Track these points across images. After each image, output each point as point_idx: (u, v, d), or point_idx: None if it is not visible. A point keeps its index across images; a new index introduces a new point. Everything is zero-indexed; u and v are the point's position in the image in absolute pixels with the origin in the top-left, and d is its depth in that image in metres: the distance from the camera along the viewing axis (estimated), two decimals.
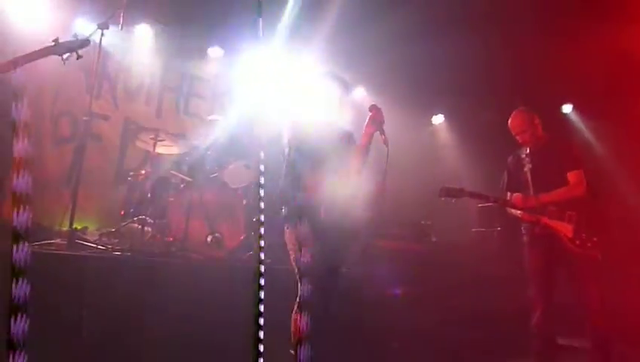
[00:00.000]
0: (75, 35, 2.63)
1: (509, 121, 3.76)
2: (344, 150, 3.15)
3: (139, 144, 5.07)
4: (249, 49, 6.37)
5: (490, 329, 4.37)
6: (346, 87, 3.24)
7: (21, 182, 2.85)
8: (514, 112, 3.76)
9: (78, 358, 3.17)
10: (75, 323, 3.24)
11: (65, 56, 2.56)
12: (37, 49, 2.47)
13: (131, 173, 5.12)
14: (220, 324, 3.59)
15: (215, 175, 4.91)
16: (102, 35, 4.47)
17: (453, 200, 3.70)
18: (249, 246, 4.80)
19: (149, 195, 4.65)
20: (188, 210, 4.40)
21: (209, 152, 4.92)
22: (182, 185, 4.74)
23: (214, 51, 6.53)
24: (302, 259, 2.99)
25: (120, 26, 5.48)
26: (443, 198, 3.71)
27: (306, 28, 5.63)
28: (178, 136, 5.46)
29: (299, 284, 2.94)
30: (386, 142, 3.11)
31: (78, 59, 2.59)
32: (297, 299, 2.99)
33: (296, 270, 3.00)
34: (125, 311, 3.39)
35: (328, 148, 3.03)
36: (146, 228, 4.48)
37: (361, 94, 7.09)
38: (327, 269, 3.03)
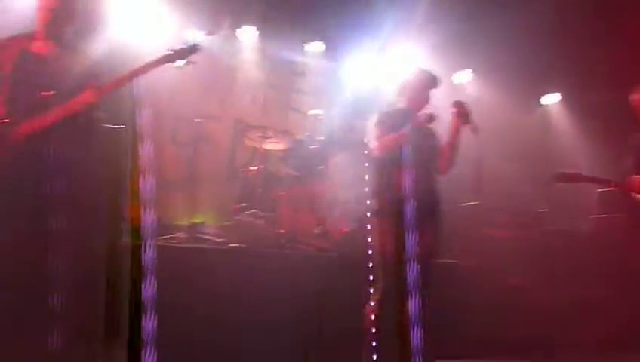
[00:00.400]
0: (186, 43, 2.84)
1: (632, 97, 3.45)
2: (429, 137, 3.15)
3: (247, 142, 5.33)
4: (350, 42, 6.46)
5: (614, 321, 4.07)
6: (434, 81, 3.25)
7: (146, 185, 3.16)
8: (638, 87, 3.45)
9: (199, 346, 3.43)
10: (197, 312, 3.48)
11: (179, 63, 2.76)
12: (152, 59, 2.70)
13: (242, 170, 5.40)
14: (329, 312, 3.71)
15: (320, 168, 5.03)
16: (210, 40, 4.77)
17: (569, 186, 3.49)
18: (354, 238, 4.87)
19: (259, 190, 4.88)
20: (296, 203, 4.56)
21: (313, 146, 5.05)
22: (289, 180, 4.91)
23: (315, 46, 6.64)
24: (387, 252, 3.00)
25: (226, 30, 5.85)
26: (559, 184, 3.52)
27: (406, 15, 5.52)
28: (283, 132, 5.65)
29: (383, 277, 2.97)
30: (475, 130, 3.06)
31: (189, 64, 2.83)
32: (376, 291, 3.09)
33: (378, 262, 3.10)
34: (242, 299, 3.62)
35: (417, 139, 3.06)
36: (258, 222, 4.71)
37: (468, 77, 6.85)
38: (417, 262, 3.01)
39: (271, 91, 6.64)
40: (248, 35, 6.27)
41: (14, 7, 4.48)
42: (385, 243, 3.04)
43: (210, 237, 4.43)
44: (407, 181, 2.96)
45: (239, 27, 6.17)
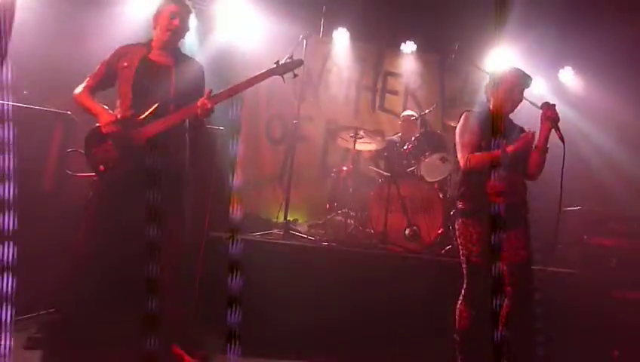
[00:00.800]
0: (291, 57, 3.05)
1: None
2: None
3: (339, 142, 5.43)
4: (441, 42, 6.36)
5: None
6: (527, 79, 3.15)
7: (238, 181, 3.31)
8: None
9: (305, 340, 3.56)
10: (288, 305, 3.63)
11: (285, 76, 3.00)
12: (261, 73, 2.97)
13: (334, 170, 5.51)
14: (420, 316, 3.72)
15: (412, 169, 5.02)
16: (305, 44, 4.93)
17: None
18: (446, 241, 4.81)
19: (350, 190, 4.96)
20: (387, 203, 4.58)
21: (405, 147, 5.04)
22: (380, 180, 4.95)
23: (407, 46, 6.61)
24: (476, 254, 2.96)
25: (320, 33, 6.00)
26: None
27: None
28: (375, 132, 5.69)
29: (470, 278, 3.00)
30: (562, 139, 2.93)
31: (294, 77, 3.04)
32: (463, 292, 3.04)
33: (464, 264, 3.03)
34: (333, 296, 3.72)
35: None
36: (348, 221, 4.80)
37: (569, 73, 6.50)
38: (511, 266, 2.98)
39: (364, 92, 6.71)
40: (341, 36, 6.38)
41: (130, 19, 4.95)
42: (472, 244, 3.00)
43: (304, 235, 4.58)
44: (498, 184, 2.92)
45: (335, 29, 6.29)
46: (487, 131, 3.03)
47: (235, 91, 2.92)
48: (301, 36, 4.94)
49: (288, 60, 3.01)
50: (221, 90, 2.91)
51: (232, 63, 5.57)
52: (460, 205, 3.13)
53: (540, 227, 3.41)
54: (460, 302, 3.03)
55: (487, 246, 2.91)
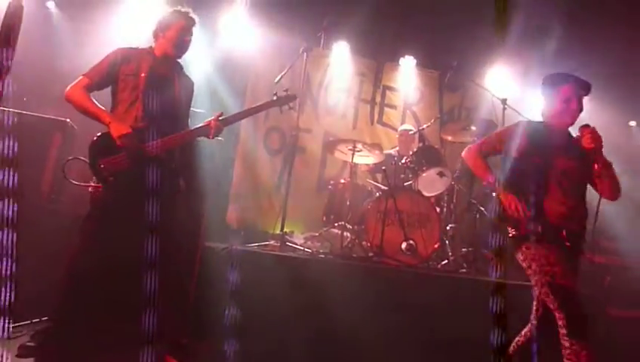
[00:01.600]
0: (287, 90, 3.48)
1: None
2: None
3: (337, 155, 5.44)
4: (439, 58, 6.41)
5: None
6: (587, 87, 2.86)
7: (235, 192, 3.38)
8: None
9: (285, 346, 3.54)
10: (284, 315, 3.61)
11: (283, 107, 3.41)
12: (259, 104, 3.38)
13: (332, 182, 5.52)
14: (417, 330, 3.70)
15: (409, 183, 5.03)
16: (306, 56, 4.97)
17: None
18: (443, 255, 4.80)
19: (347, 203, 4.96)
20: (384, 217, 4.58)
21: (403, 161, 5.06)
22: (378, 193, 4.95)
23: (407, 61, 6.65)
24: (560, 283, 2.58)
25: (321, 46, 6.04)
26: None
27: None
28: (373, 146, 5.70)
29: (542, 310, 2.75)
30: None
31: (290, 109, 3.48)
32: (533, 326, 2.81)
33: (540, 292, 2.68)
34: (329, 308, 3.70)
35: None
36: (345, 234, 4.79)
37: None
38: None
39: (362, 105, 6.74)
40: (341, 49, 6.42)
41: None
42: (543, 271, 2.64)
43: (300, 247, 4.57)
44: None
45: (334, 42, 6.34)
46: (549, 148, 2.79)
47: (240, 118, 3.28)
48: (301, 49, 4.98)
49: (284, 94, 3.39)
50: (229, 115, 3.13)
51: (233, 75, 5.60)
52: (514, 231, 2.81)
53: None
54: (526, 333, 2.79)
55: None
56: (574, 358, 2.47)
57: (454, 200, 5.34)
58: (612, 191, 2.77)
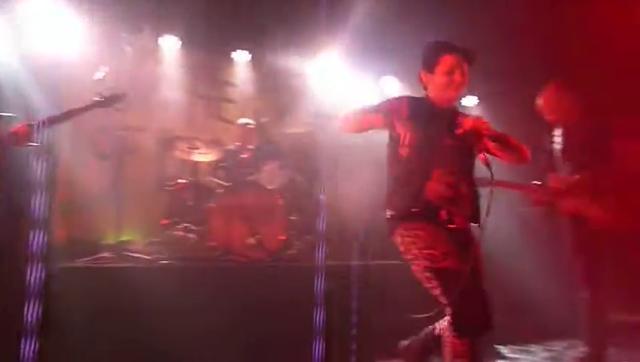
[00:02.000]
0: (113, 90, 3.50)
1: (537, 102, 3.64)
2: None
3: (176, 154, 5.17)
4: (277, 51, 6.44)
5: None
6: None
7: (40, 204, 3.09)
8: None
9: None
10: (124, 332, 3.34)
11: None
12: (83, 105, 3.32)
13: (169, 183, 5.22)
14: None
15: (252, 177, 4.97)
16: (131, 50, 4.61)
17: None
18: (289, 246, 4.84)
19: (189, 203, 4.74)
20: (228, 214, 4.47)
21: (243, 156, 4.98)
22: (220, 191, 4.81)
23: (241, 55, 6.57)
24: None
25: (148, 39, 5.67)
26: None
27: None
28: (213, 142, 5.53)
29: None
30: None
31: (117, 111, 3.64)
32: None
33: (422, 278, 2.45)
34: (174, 316, 3.48)
35: None
36: (189, 235, 4.57)
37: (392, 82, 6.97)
38: None
39: (198, 101, 6.49)
40: (170, 43, 6.11)
41: None
42: None
43: (139, 255, 4.23)
44: None
45: (161, 36, 6.00)
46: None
47: (59, 121, 3.14)
48: (125, 42, 4.61)
49: (109, 93, 3.34)
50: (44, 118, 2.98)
51: (45, 72, 4.96)
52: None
53: None
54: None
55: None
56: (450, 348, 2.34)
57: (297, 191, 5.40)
58: (513, 161, 2.58)
